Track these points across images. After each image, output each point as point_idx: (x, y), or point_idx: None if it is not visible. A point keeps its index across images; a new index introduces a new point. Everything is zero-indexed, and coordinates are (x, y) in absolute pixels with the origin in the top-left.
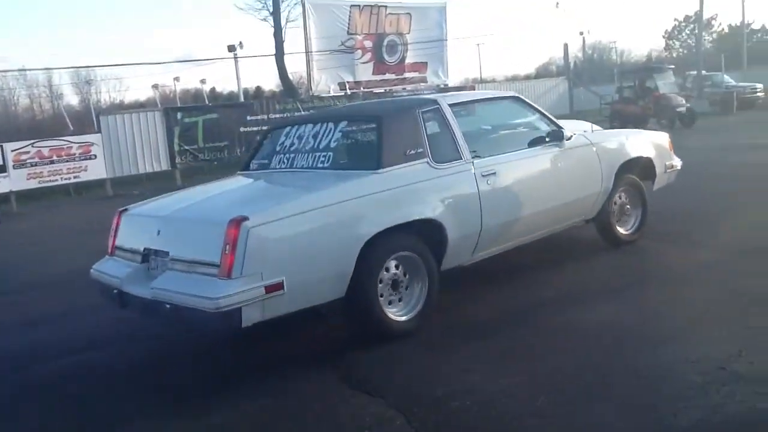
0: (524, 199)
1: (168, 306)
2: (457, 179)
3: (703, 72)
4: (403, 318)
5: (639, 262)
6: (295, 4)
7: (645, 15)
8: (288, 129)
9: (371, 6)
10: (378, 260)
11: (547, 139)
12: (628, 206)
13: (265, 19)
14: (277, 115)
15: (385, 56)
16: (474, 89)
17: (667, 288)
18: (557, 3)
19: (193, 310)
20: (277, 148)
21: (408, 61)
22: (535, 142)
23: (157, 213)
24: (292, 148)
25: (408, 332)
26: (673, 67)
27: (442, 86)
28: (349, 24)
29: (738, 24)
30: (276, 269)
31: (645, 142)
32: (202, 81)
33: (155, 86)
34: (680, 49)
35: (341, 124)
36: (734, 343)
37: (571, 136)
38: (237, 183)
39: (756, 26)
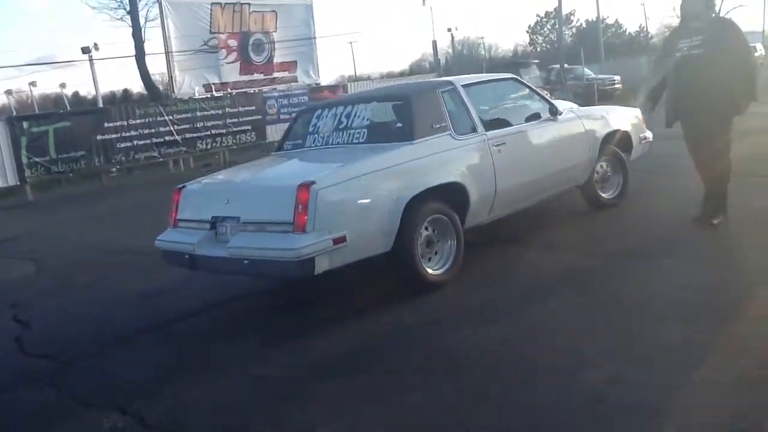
0: (529, 166)
1: (246, 261)
2: (475, 149)
3: (565, 65)
4: (439, 271)
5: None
6: (153, 2)
7: (510, 11)
8: (318, 111)
9: (233, 4)
10: (417, 219)
11: (543, 114)
12: (610, 174)
13: (122, 19)
14: (138, 121)
15: (252, 56)
16: (345, 87)
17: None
18: (423, 0)
19: (272, 261)
20: (310, 129)
21: (276, 60)
22: (533, 117)
23: (224, 185)
24: (325, 128)
25: (443, 283)
26: (537, 61)
27: (313, 85)
28: (211, 22)
29: (594, 19)
30: (340, 225)
31: (622, 117)
32: (62, 85)
33: (8, 92)
34: (543, 44)
35: (371, 104)
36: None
37: (563, 111)
38: (284, 159)
39: (610, 21)
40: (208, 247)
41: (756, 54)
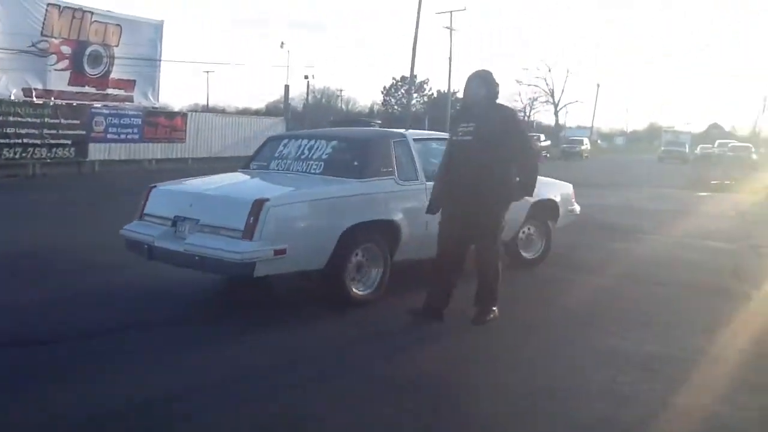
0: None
1: (197, 257)
2: (414, 194)
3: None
4: (362, 292)
5: None
6: None
7: (372, 69)
8: (285, 140)
9: (74, 9)
10: (350, 246)
11: None
12: (534, 237)
13: None
14: None
15: (87, 67)
16: (185, 116)
17: None
18: (282, 43)
19: (219, 260)
20: (275, 154)
21: (113, 76)
22: None
23: (191, 190)
24: (289, 156)
25: (366, 303)
26: (379, 122)
27: (151, 108)
28: (44, 24)
29: (445, 91)
30: (283, 239)
31: (553, 188)
32: None
33: None
34: (396, 106)
35: (332, 142)
36: None
37: None
38: (245, 176)
39: (461, 95)
40: (166, 241)
41: (583, 147)
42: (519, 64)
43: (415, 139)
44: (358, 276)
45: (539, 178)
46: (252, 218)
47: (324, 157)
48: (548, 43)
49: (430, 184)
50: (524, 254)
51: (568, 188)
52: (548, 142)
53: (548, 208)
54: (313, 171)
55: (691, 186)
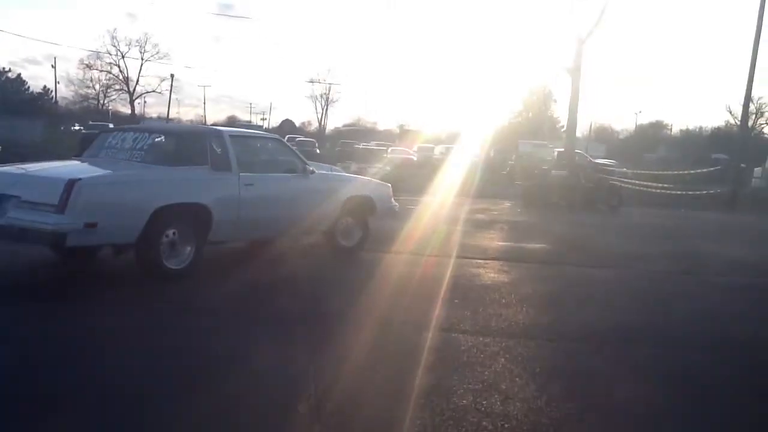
0: (271, 207)
1: (17, 229)
2: (226, 183)
3: None
4: (175, 267)
5: None
6: None
7: None
8: (115, 133)
9: None
10: (162, 224)
11: (298, 171)
12: (352, 227)
13: None
14: None
15: None
16: None
17: None
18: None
19: (35, 231)
20: (105, 144)
21: None
22: (286, 170)
23: (15, 171)
24: (116, 146)
25: (179, 276)
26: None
27: None
28: None
29: None
30: (94, 214)
31: (369, 185)
32: None
33: None
34: None
35: (153, 134)
36: None
37: (314, 171)
38: (74, 162)
39: (12, 75)
40: None
41: None
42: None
43: (231, 135)
44: (173, 253)
45: (359, 177)
46: (65, 195)
47: (145, 147)
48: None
49: (243, 175)
50: (343, 242)
51: (386, 186)
52: None
53: (365, 201)
54: (134, 159)
55: None
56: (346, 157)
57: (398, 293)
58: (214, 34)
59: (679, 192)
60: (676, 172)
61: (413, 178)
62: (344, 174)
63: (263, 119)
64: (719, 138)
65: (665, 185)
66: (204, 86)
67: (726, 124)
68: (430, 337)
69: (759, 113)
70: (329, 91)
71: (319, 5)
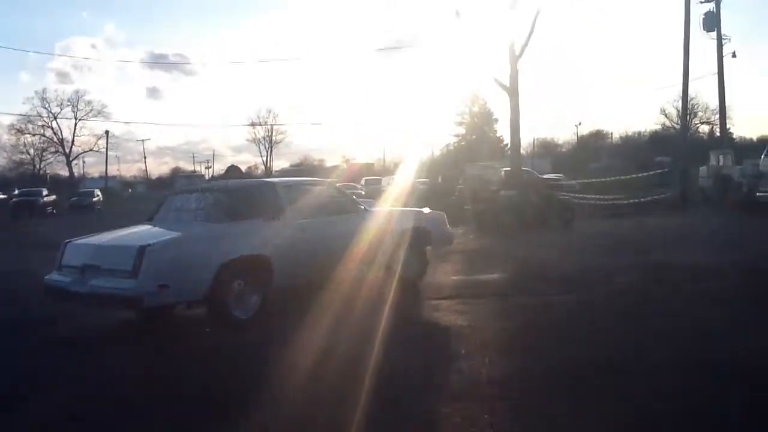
0: (326, 248)
1: (99, 296)
2: (281, 231)
3: None
4: (243, 317)
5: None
6: None
7: None
8: (179, 195)
9: None
10: (228, 277)
11: (348, 210)
12: (411, 259)
13: None
14: None
15: None
16: None
17: None
18: None
19: (115, 296)
20: (171, 207)
21: None
22: (338, 212)
23: (94, 242)
24: (180, 207)
25: (246, 326)
26: None
27: None
28: None
29: None
30: (165, 276)
31: (424, 216)
32: None
33: None
34: None
35: (211, 193)
36: None
37: (367, 209)
38: (144, 227)
39: None
40: (77, 286)
41: (95, 199)
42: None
43: (284, 185)
44: (240, 303)
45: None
46: (137, 261)
47: (205, 206)
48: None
49: (297, 222)
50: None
51: (441, 216)
52: (53, 197)
53: (420, 235)
54: (197, 219)
55: None
56: None
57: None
58: (150, 87)
59: (629, 201)
60: (623, 177)
61: None
62: (398, 209)
63: (208, 167)
64: (658, 141)
65: (615, 196)
66: (143, 140)
67: (663, 127)
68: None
69: (693, 113)
70: (272, 132)
71: (252, 48)
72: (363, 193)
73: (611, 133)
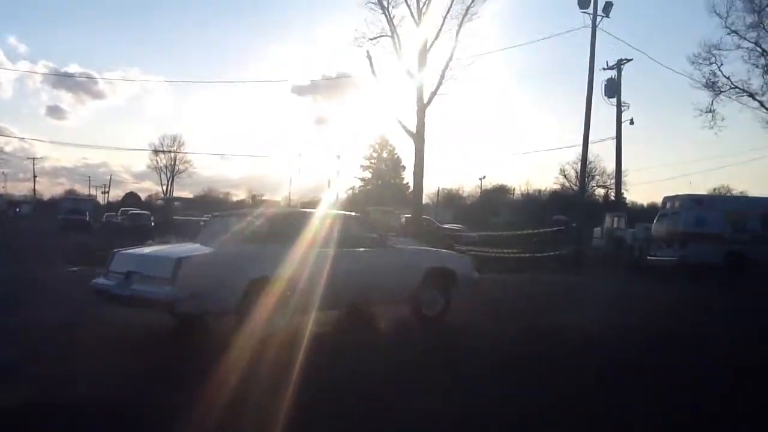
0: (355, 278)
1: (139, 297)
2: (315, 258)
3: None
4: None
5: None
6: None
7: None
8: (224, 217)
9: None
10: (257, 293)
11: (377, 244)
12: (436, 296)
13: None
14: None
15: None
16: None
17: None
18: None
19: (153, 300)
20: (212, 229)
21: None
22: (368, 245)
23: (138, 252)
24: (220, 229)
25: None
26: None
27: None
28: None
29: None
30: (199, 286)
31: (446, 256)
32: None
33: None
34: None
35: (251, 218)
36: None
37: (392, 244)
38: (188, 244)
39: None
40: (120, 289)
41: None
42: None
43: (316, 216)
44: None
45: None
46: (175, 270)
47: (242, 228)
48: None
49: (329, 250)
50: (426, 311)
51: (466, 258)
52: None
53: (445, 274)
54: (235, 240)
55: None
56: (165, 228)
57: None
58: (51, 105)
59: (527, 255)
60: (522, 233)
61: None
62: (425, 248)
63: (104, 192)
64: (558, 200)
65: (513, 250)
66: (33, 159)
67: (562, 187)
68: None
69: (590, 176)
70: (175, 161)
71: (162, 72)
72: None
73: (514, 189)
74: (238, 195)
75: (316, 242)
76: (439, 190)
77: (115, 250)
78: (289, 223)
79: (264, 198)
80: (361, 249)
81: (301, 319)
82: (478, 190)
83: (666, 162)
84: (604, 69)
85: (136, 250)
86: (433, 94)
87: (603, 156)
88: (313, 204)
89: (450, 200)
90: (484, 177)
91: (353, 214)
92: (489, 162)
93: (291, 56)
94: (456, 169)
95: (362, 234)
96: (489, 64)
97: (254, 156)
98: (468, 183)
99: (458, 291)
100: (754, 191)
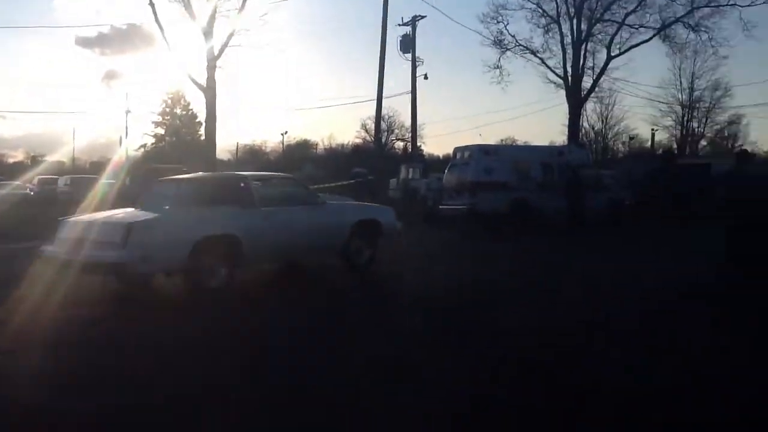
0: (289, 234)
1: (92, 263)
2: (252, 216)
3: None
4: (216, 286)
5: None
6: None
7: None
8: (168, 183)
9: None
10: (203, 251)
11: (308, 202)
12: (362, 248)
13: None
14: None
15: None
16: None
17: None
18: None
19: (107, 263)
20: (154, 194)
21: None
22: (300, 203)
23: (87, 219)
24: (168, 193)
25: (219, 291)
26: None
27: None
28: None
29: None
30: (149, 248)
31: (373, 209)
32: None
33: None
34: None
35: (192, 182)
36: None
37: (324, 201)
38: (131, 209)
39: None
40: (72, 254)
41: None
42: None
43: (254, 178)
44: (212, 275)
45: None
46: (125, 234)
47: (186, 192)
48: None
49: (265, 209)
50: (357, 261)
51: (390, 210)
52: None
53: (372, 225)
54: (179, 203)
55: None
56: None
57: None
58: None
59: None
60: (323, 186)
61: (32, 221)
62: (352, 202)
63: None
64: (360, 153)
65: None
66: None
67: (364, 141)
68: None
69: (390, 130)
70: None
71: None
72: (32, 194)
73: (316, 144)
74: (16, 156)
75: (255, 202)
76: (238, 146)
77: (62, 217)
78: (230, 185)
79: (45, 159)
80: (296, 207)
81: (242, 275)
82: (281, 146)
83: (460, 115)
84: (399, 25)
85: (85, 217)
86: (225, 45)
87: (401, 111)
88: (101, 164)
89: (253, 156)
90: (287, 132)
91: (287, 175)
92: (292, 117)
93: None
94: (259, 125)
95: (296, 193)
96: (287, 18)
97: (32, 112)
98: (272, 139)
99: (384, 240)
100: (537, 141)
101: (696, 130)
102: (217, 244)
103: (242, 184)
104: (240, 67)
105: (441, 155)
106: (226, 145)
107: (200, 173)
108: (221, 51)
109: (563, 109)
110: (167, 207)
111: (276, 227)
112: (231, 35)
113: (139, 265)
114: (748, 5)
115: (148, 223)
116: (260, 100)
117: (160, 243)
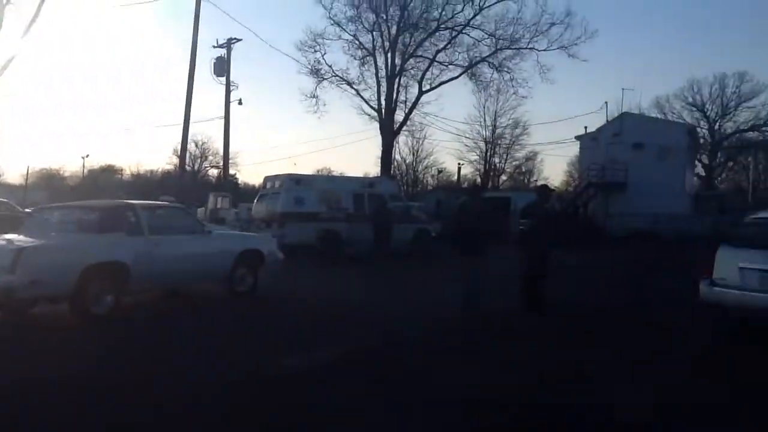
0: (176, 262)
1: None
2: (140, 244)
3: None
4: (101, 313)
5: None
6: None
7: None
8: (54, 210)
9: None
10: (90, 278)
11: (195, 231)
12: (245, 275)
13: None
14: None
15: None
16: None
17: None
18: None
19: None
20: (39, 221)
21: None
22: (188, 232)
23: None
24: (59, 220)
25: (105, 320)
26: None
27: None
28: None
29: None
30: (38, 273)
31: (256, 239)
32: None
33: None
34: None
35: (79, 210)
36: None
37: (211, 230)
38: (19, 235)
39: None
40: None
41: None
42: None
43: (144, 208)
44: (99, 301)
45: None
46: (16, 260)
47: (76, 220)
48: None
49: (153, 237)
50: (237, 288)
51: (272, 240)
52: None
53: (255, 254)
54: (67, 230)
55: None
56: None
57: None
58: None
59: None
60: None
61: None
62: (237, 232)
63: None
64: (170, 180)
65: None
66: None
67: (175, 168)
68: None
69: (204, 156)
70: None
71: None
72: None
73: (122, 169)
74: None
75: (144, 230)
76: (28, 170)
77: None
78: (119, 213)
79: None
80: (184, 236)
81: (128, 300)
82: (82, 171)
83: (277, 143)
84: (214, 47)
85: None
86: (9, 61)
87: (216, 137)
88: None
89: (50, 181)
90: (88, 155)
91: (177, 205)
92: (95, 141)
93: None
94: (58, 148)
95: (184, 222)
96: (93, 30)
97: None
98: (72, 163)
99: (265, 269)
100: (352, 172)
101: (497, 165)
102: (105, 270)
103: (131, 212)
104: (36, 86)
105: (257, 184)
106: (16, 168)
107: (89, 201)
108: (5, 66)
109: (378, 141)
110: (53, 233)
111: (164, 255)
112: (10, 60)
113: (27, 289)
114: (544, 50)
115: (38, 248)
116: (59, 121)
117: (49, 268)
